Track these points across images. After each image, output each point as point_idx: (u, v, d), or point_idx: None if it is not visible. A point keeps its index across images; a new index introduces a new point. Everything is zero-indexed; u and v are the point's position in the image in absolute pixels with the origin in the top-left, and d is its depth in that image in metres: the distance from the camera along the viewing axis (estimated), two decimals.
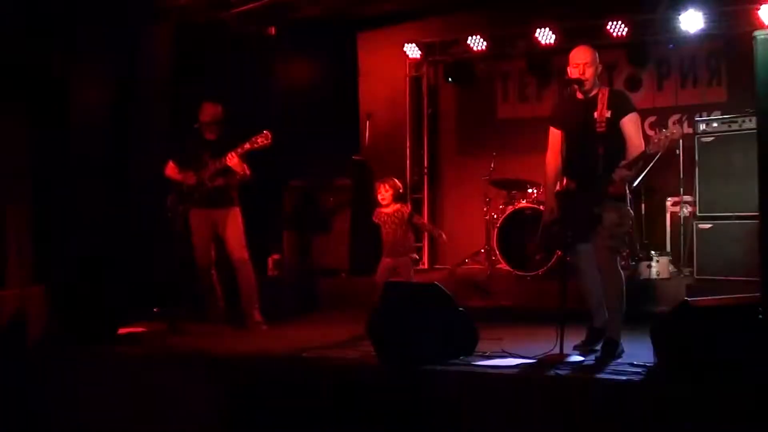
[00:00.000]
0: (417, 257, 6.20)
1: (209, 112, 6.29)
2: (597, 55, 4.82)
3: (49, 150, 6.91)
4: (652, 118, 8.14)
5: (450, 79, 9.13)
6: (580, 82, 4.74)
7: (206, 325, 6.24)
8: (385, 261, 6.10)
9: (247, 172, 6.16)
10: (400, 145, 9.26)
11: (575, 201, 4.73)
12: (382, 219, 6.14)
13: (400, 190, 6.22)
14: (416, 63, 9.25)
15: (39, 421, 5.25)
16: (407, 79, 9.30)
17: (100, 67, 7.69)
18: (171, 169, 6.36)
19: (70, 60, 7.34)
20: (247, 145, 6.02)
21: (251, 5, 7.83)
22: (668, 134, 4.44)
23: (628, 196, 4.82)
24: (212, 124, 6.28)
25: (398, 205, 6.14)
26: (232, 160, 6.04)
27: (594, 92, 4.79)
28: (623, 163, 4.58)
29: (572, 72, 4.76)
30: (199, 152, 6.25)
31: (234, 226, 6.25)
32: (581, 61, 4.74)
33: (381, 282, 5.78)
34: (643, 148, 4.61)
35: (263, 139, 5.98)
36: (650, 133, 7.87)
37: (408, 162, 9.25)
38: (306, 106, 8.58)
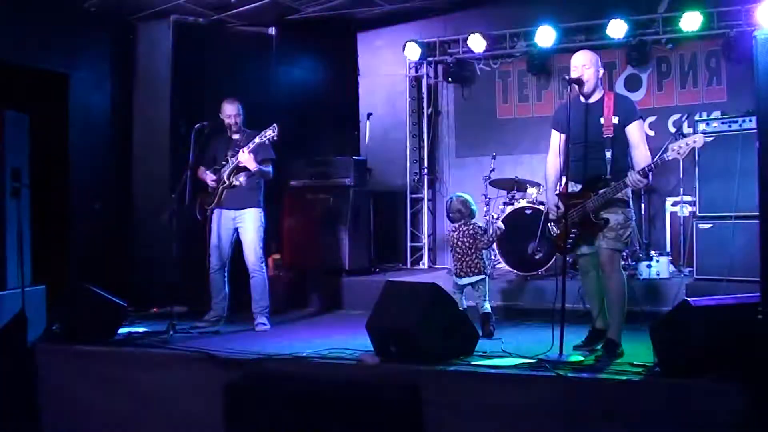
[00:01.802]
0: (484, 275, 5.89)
1: (227, 111, 6.30)
2: (598, 59, 4.85)
3: (49, 150, 6.91)
4: (652, 118, 8.14)
5: (450, 79, 9.13)
6: (579, 82, 4.75)
7: (207, 325, 6.23)
8: (459, 281, 5.90)
9: (263, 168, 6.19)
10: (400, 145, 9.27)
11: (580, 204, 4.74)
12: (455, 238, 5.94)
13: (473, 208, 6.01)
14: (416, 63, 9.26)
15: (39, 421, 5.25)
16: (407, 79, 9.32)
17: (100, 67, 7.70)
18: (202, 173, 6.35)
19: (70, 60, 7.35)
20: (256, 139, 6.07)
21: (251, 5, 7.83)
22: (690, 142, 4.44)
23: (631, 196, 4.84)
24: (232, 122, 6.30)
25: (471, 223, 5.95)
26: (243, 155, 6.08)
27: (597, 96, 4.81)
28: (638, 169, 4.59)
29: (572, 74, 4.78)
30: (225, 152, 6.30)
31: (253, 229, 6.25)
32: (579, 63, 4.78)
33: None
34: (650, 155, 4.65)
35: (270, 131, 6.03)
36: (650, 132, 7.90)
37: (408, 162, 9.26)
38: (306, 107, 8.58)
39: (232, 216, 6.30)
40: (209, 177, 6.31)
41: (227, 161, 6.24)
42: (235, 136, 6.35)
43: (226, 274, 6.36)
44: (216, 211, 6.32)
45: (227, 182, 6.23)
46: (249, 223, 6.26)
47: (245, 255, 6.28)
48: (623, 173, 4.64)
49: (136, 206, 7.74)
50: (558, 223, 4.90)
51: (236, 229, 6.31)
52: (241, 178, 6.23)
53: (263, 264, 6.34)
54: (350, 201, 8.06)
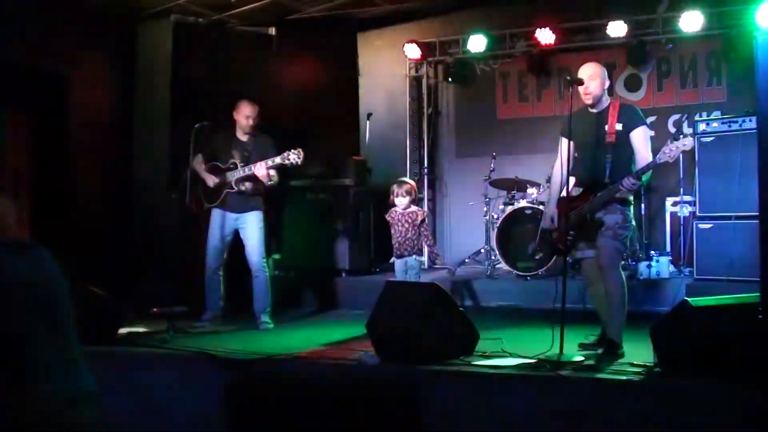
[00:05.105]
0: (423, 260, 6.26)
1: (245, 111, 6.19)
2: (604, 71, 4.93)
3: (49, 150, 6.91)
4: (652, 118, 8.12)
5: (450, 79, 9.13)
6: (580, 82, 4.81)
7: (206, 325, 6.23)
8: (399, 261, 6.11)
9: (275, 180, 6.13)
10: (400, 145, 9.27)
11: (580, 205, 4.83)
12: (396, 218, 6.12)
13: (416, 194, 6.26)
14: (416, 63, 9.25)
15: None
16: (407, 79, 9.31)
17: (100, 67, 7.70)
18: (198, 164, 6.26)
19: (70, 60, 7.35)
20: (278, 159, 5.96)
21: (251, 5, 7.83)
22: (680, 145, 4.52)
23: (632, 201, 4.89)
24: (247, 124, 6.20)
25: (414, 208, 6.17)
26: (261, 171, 6.00)
27: (604, 106, 4.92)
28: (633, 172, 4.66)
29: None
30: (228, 151, 6.21)
31: (255, 231, 6.22)
32: (586, 74, 4.88)
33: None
34: (650, 160, 4.70)
35: (295, 156, 5.90)
36: (651, 133, 7.89)
37: (408, 162, 9.25)
38: (306, 106, 8.58)
39: (234, 217, 6.26)
40: (210, 177, 6.23)
41: (235, 165, 6.13)
42: (244, 138, 6.26)
43: (221, 274, 6.34)
44: (216, 211, 6.26)
45: (234, 188, 6.15)
46: (252, 225, 6.23)
47: (248, 256, 6.25)
48: (622, 177, 4.69)
49: (135, 206, 7.74)
50: (554, 231, 5.00)
51: (237, 231, 6.29)
52: (247, 185, 6.17)
53: (266, 264, 6.32)
54: (350, 201, 8.06)
